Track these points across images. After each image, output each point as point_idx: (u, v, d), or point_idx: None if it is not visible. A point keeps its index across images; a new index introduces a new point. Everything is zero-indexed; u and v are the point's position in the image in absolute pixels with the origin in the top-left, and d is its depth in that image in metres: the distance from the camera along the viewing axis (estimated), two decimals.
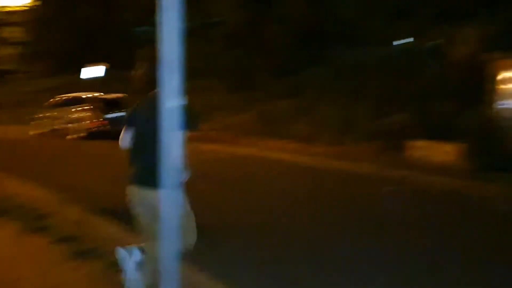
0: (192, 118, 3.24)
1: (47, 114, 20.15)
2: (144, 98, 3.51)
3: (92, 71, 28.01)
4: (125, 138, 3.49)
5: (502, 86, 11.42)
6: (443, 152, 11.55)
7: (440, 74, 14.09)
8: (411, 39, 16.44)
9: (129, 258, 3.41)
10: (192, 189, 3.56)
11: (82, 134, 18.39)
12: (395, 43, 18.50)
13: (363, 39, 16.68)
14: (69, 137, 18.89)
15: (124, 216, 4.55)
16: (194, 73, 19.76)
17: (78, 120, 18.67)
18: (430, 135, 12.09)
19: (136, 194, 3.38)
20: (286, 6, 16.82)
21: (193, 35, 20.30)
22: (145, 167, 3.25)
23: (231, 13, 18.27)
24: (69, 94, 20.50)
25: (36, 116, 20.70)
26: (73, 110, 19.04)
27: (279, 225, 6.69)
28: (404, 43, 18.45)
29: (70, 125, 18.96)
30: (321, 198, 8.58)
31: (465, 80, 13.01)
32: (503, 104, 11.39)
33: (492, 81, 11.53)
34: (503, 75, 11.37)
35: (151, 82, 3.11)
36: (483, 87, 11.65)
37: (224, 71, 18.93)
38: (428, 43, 17.48)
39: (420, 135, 12.34)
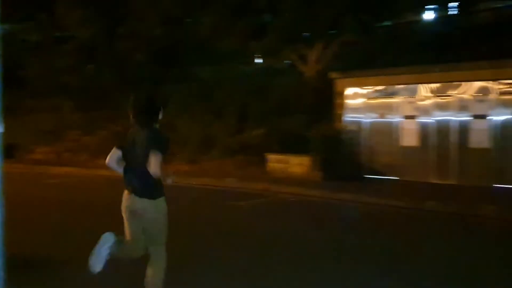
0: (163, 144, 3.78)
1: None
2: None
3: None
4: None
5: (347, 101, 12.51)
6: (298, 164, 12.16)
7: (294, 90, 14.89)
8: (267, 57, 17.19)
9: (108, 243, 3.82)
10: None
11: None
12: (256, 61, 19.25)
13: (221, 57, 16.99)
14: None
15: None
16: (44, 90, 18.14)
17: None
18: (286, 149, 12.64)
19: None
20: (140, 23, 16.37)
21: (42, 49, 18.74)
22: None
23: (83, 28, 17.20)
24: None
25: None
26: None
27: None
28: (261, 61, 19.28)
29: None
30: (179, 216, 8.31)
31: (317, 96, 13.94)
32: (348, 118, 12.47)
33: (339, 96, 12.58)
34: (348, 91, 12.47)
35: None
36: (331, 102, 12.63)
37: (76, 88, 17.67)
38: (282, 62, 18.50)
39: (277, 149, 12.83)
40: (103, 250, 3.78)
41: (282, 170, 12.41)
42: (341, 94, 12.53)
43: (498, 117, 10.42)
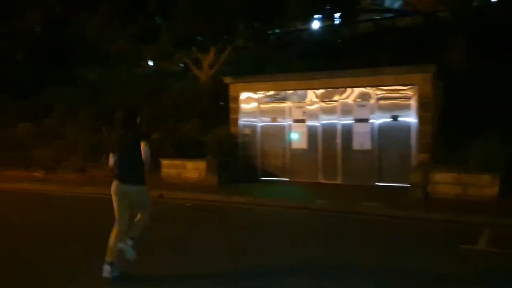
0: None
1: None
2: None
3: None
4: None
5: (242, 106, 12.76)
6: (194, 169, 12.13)
7: (189, 94, 14.81)
8: (159, 61, 16.90)
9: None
10: None
11: None
12: (150, 63, 18.79)
13: (112, 59, 16.36)
14: None
15: None
16: None
17: None
18: (182, 154, 12.53)
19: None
20: (20, 21, 15.17)
21: None
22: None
23: None
24: None
25: None
26: None
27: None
28: (154, 65, 18.89)
29: None
30: (71, 227, 7.86)
31: (212, 101, 14.01)
32: (243, 122, 12.73)
33: (233, 101, 12.77)
34: (242, 96, 12.72)
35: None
36: (227, 107, 12.79)
37: None
38: (177, 65, 18.30)
39: (172, 154, 12.67)
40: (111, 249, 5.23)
41: (177, 175, 12.28)
42: (235, 99, 12.74)
43: (378, 121, 11.33)
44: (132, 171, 5.25)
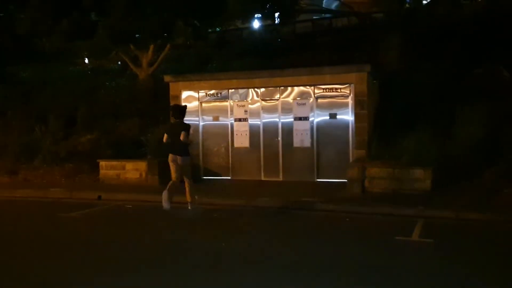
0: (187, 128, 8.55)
1: None
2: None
3: None
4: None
5: (183, 104, 12.56)
6: (133, 169, 11.84)
7: (128, 93, 14.43)
8: (95, 58, 16.35)
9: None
10: None
11: None
12: (86, 61, 18.10)
13: (45, 56, 15.63)
14: None
15: None
16: None
17: None
18: (121, 154, 12.19)
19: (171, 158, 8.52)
20: None
21: None
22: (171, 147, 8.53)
23: None
24: None
25: None
26: None
27: None
28: (90, 62, 18.24)
29: None
30: (5, 233, 7.43)
31: (152, 99, 13.72)
32: (185, 121, 12.53)
33: (174, 100, 12.56)
34: (183, 94, 12.54)
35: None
36: (168, 105, 12.56)
37: None
38: (115, 63, 17.78)
39: (111, 154, 12.29)
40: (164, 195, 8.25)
41: (116, 176, 11.93)
42: (176, 98, 12.56)
43: (317, 119, 11.58)
44: (179, 148, 8.46)
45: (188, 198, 8.70)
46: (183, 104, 9.55)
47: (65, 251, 6.43)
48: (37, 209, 9.80)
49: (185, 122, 8.73)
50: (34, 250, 6.47)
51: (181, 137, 8.30)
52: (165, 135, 8.57)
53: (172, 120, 8.91)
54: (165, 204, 8.29)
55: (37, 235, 7.39)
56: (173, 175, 8.59)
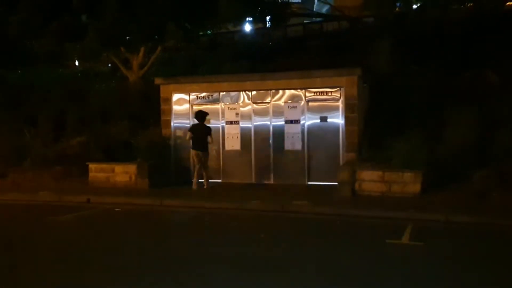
0: (210, 129, 11.20)
1: None
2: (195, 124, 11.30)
3: None
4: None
5: (174, 107, 12.54)
6: (123, 172, 11.76)
7: (118, 95, 14.33)
8: (86, 60, 16.24)
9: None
10: None
11: None
12: (76, 63, 17.94)
13: (35, 59, 15.48)
14: None
15: None
16: None
17: None
18: (111, 157, 12.10)
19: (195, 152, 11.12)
20: None
21: None
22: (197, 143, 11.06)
23: None
24: None
25: None
26: None
27: None
28: (80, 65, 18.10)
29: None
30: None
31: (143, 102, 13.65)
32: (175, 124, 12.52)
33: (165, 102, 12.53)
34: (174, 97, 12.50)
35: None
36: (158, 108, 12.52)
37: None
38: (106, 66, 17.66)
39: (101, 157, 12.20)
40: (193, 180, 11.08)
41: (106, 179, 11.85)
42: (167, 100, 12.52)
43: (308, 122, 11.60)
44: (202, 145, 10.91)
45: (206, 184, 11.17)
46: (205, 111, 11.31)
47: (49, 254, 6.36)
48: (26, 212, 9.70)
49: (206, 125, 11.17)
50: (17, 254, 6.39)
51: (209, 140, 10.96)
52: (189, 133, 11.03)
53: (195, 122, 11.33)
54: (194, 186, 11.07)
55: (23, 238, 7.30)
56: (197, 165, 11.08)
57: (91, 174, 11.99)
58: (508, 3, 16.36)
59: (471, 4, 14.02)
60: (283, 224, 8.16)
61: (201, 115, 11.11)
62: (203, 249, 6.44)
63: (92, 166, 12.01)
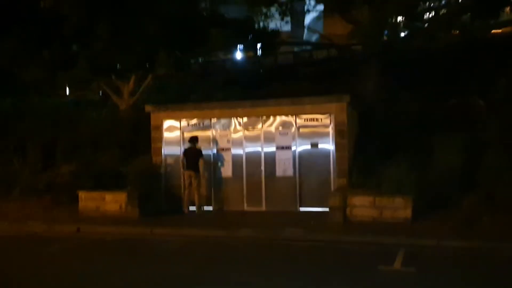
0: (201, 153, 11.69)
1: None
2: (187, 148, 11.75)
3: None
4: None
5: (165, 135, 12.54)
6: (113, 201, 11.64)
7: (109, 124, 14.32)
8: (76, 89, 16.29)
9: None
10: None
11: None
12: (67, 92, 17.97)
13: (25, 87, 15.50)
14: None
15: None
16: None
17: None
18: (101, 186, 12.00)
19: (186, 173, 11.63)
20: None
21: None
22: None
23: None
24: None
25: None
26: None
27: None
28: (71, 93, 18.15)
29: None
30: None
31: (133, 130, 13.64)
32: (166, 151, 12.50)
33: (156, 130, 12.53)
34: (165, 124, 12.52)
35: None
36: (149, 136, 12.51)
37: None
38: (96, 94, 17.71)
39: (91, 186, 12.09)
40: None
41: (96, 208, 11.71)
42: (157, 128, 12.52)
43: (299, 148, 11.64)
44: (194, 166, 11.49)
45: (197, 210, 11.57)
46: (195, 135, 11.85)
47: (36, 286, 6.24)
48: (14, 243, 9.52)
49: (198, 149, 11.69)
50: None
51: (200, 163, 11.51)
52: (182, 156, 11.72)
53: (188, 146, 11.83)
54: (185, 210, 11.58)
55: (10, 270, 7.16)
56: (187, 188, 11.62)
57: (81, 203, 11.86)
58: (493, 31, 16.79)
59: (458, 32, 14.35)
60: (274, 252, 8.09)
61: (193, 140, 11.80)
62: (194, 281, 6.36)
63: (82, 194, 11.90)
